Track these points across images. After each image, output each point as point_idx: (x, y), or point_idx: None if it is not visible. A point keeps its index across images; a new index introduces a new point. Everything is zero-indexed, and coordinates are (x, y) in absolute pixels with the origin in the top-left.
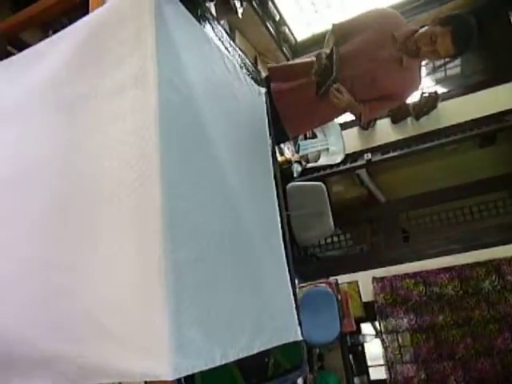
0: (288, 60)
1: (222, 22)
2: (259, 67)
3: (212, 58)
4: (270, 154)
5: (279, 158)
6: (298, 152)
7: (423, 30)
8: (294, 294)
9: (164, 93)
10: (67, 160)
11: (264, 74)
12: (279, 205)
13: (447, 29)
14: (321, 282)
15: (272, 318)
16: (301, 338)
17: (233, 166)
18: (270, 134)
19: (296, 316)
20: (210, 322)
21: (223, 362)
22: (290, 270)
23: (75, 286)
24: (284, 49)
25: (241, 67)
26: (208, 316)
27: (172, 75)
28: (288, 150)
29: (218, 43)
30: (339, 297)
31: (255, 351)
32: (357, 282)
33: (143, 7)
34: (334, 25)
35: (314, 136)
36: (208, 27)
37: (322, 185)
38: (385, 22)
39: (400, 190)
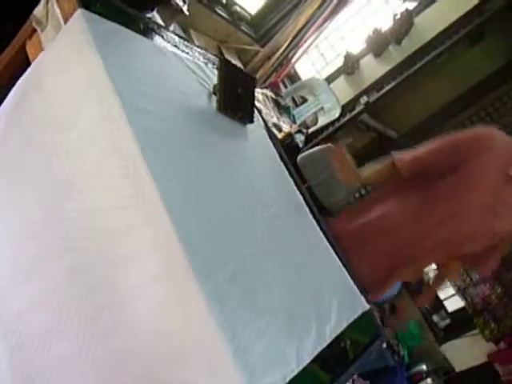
0: (251, 37)
1: (171, 26)
2: (226, 55)
3: (171, 67)
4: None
5: (279, 135)
6: (295, 122)
7: None
8: (345, 264)
9: (137, 122)
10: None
11: (233, 60)
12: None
13: None
14: None
15: (332, 299)
16: (368, 307)
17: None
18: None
19: (355, 285)
20: (271, 331)
21: (300, 368)
22: (329, 242)
23: (131, 350)
24: (242, 27)
25: (205, 64)
26: (267, 325)
27: (138, 102)
28: (285, 124)
29: (173, 49)
30: None
31: (328, 341)
32: None
33: (83, 46)
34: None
35: (305, 100)
36: (157, 38)
37: (331, 145)
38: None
39: (409, 119)
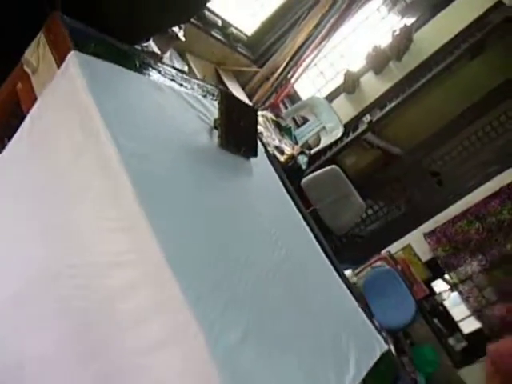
0: (248, 58)
1: (168, 52)
2: (223, 78)
3: (170, 104)
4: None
5: (281, 158)
6: (296, 143)
7: None
8: (359, 302)
9: (135, 169)
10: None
11: (231, 82)
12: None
13: None
14: (375, 261)
15: (350, 342)
16: (386, 347)
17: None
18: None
19: (372, 325)
20: None
21: None
22: (343, 280)
23: None
24: (239, 49)
25: (204, 96)
26: None
27: (136, 147)
28: (287, 146)
29: (171, 84)
30: (399, 267)
31: None
32: (410, 245)
33: (77, 92)
34: None
35: (306, 120)
36: (154, 73)
37: (335, 167)
38: None
39: (413, 135)
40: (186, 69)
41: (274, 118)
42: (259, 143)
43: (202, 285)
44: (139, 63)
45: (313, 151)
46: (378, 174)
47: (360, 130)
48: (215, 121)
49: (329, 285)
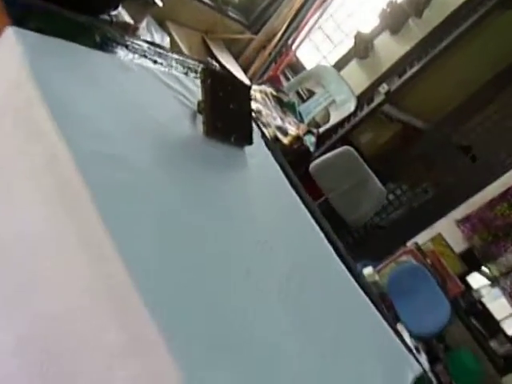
0: (241, 23)
1: (144, 23)
2: (213, 48)
3: (140, 86)
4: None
5: (284, 140)
6: (302, 121)
7: None
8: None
9: (96, 178)
10: None
11: (220, 54)
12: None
13: None
14: (400, 255)
15: (376, 373)
16: (420, 370)
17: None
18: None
19: (401, 347)
20: None
21: None
22: (362, 287)
23: None
24: (230, 13)
25: (185, 73)
26: None
27: (96, 147)
28: (291, 125)
29: (141, 61)
30: (429, 261)
31: None
32: (440, 234)
33: (16, 78)
34: None
35: (312, 94)
36: (119, 50)
37: (348, 148)
38: None
39: (438, 105)
40: (167, 40)
41: (274, 92)
42: (255, 127)
43: (192, 334)
44: (100, 38)
45: (321, 130)
46: (400, 153)
47: (376, 101)
48: (199, 103)
49: (346, 299)
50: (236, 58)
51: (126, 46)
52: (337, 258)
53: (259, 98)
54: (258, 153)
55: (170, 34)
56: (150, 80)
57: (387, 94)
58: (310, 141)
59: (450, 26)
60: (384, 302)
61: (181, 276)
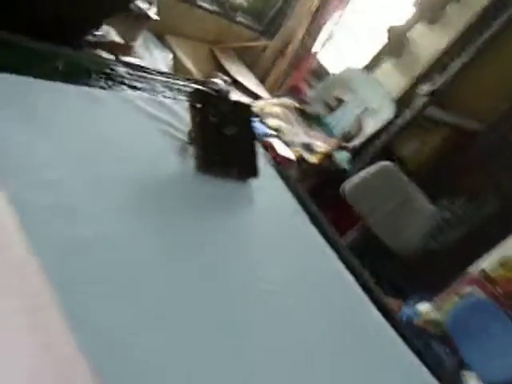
0: (252, 29)
1: (139, 40)
2: (222, 60)
3: (113, 122)
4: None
5: (313, 159)
6: (331, 135)
7: None
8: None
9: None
10: None
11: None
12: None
13: None
14: (462, 285)
15: None
16: None
17: None
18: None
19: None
20: None
21: None
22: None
23: None
24: (239, 18)
25: (173, 98)
26: None
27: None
28: (318, 140)
29: (118, 88)
30: (500, 291)
31: None
32: (510, 257)
33: None
34: None
35: (340, 102)
36: (90, 79)
37: (386, 163)
38: None
39: (490, 102)
40: (169, 57)
41: (296, 104)
42: (262, 153)
43: None
44: (64, 66)
45: (356, 143)
46: (450, 161)
47: (417, 104)
48: (189, 133)
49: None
50: (250, 68)
51: (100, 73)
52: (375, 311)
53: (279, 112)
54: (266, 183)
55: (171, 50)
56: (127, 111)
57: (430, 94)
58: (342, 157)
59: (499, 7)
60: (447, 344)
61: None
